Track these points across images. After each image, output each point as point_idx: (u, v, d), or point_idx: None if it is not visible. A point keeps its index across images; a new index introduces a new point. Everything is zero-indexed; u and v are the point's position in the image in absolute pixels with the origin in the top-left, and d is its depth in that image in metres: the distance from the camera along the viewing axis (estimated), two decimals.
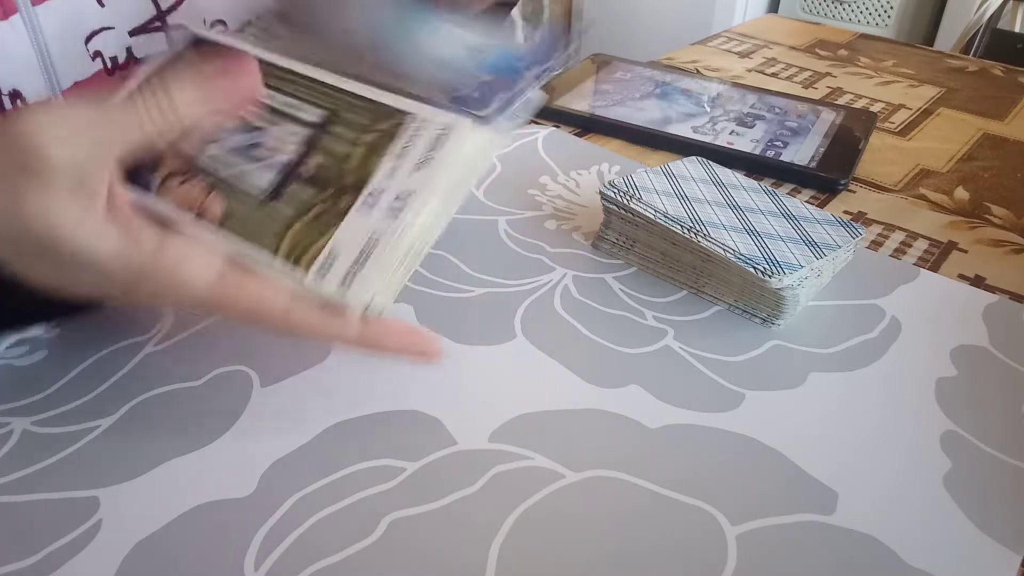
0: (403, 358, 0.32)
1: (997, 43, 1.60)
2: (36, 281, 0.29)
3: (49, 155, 0.26)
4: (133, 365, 0.38)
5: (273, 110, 0.33)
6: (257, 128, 0.33)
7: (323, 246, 0.30)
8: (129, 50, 0.42)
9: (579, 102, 0.66)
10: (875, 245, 0.50)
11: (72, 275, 0.29)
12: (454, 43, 0.36)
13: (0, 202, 0.27)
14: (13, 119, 0.27)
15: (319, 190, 0.31)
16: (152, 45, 0.43)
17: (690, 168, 0.49)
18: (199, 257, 0.29)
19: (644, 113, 0.64)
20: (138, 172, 0.31)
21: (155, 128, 0.28)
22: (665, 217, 0.43)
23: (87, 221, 0.27)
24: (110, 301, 0.31)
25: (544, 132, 0.62)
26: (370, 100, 0.32)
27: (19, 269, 0.29)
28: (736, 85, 0.71)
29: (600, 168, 0.58)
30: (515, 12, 0.47)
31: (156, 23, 0.42)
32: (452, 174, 0.30)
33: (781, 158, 0.58)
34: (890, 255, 0.49)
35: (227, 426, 0.35)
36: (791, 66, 0.80)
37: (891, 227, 0.52)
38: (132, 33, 0.42)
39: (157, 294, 0.29)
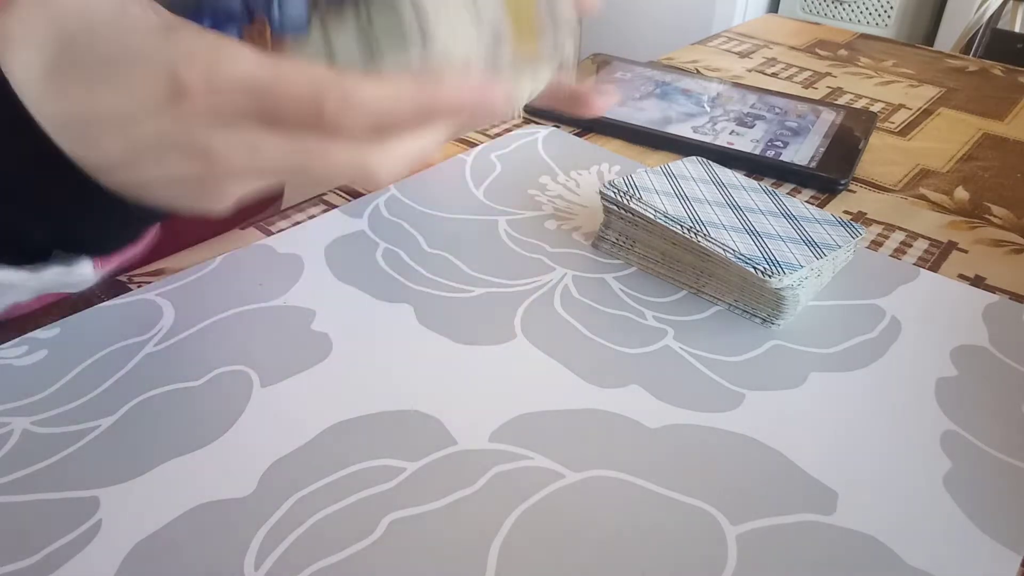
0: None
1: (997, 43, 1.60)
2: (97, 162, 0.26)
3: None
4: (133, 365, 0.38)
5: None
6: None
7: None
8: None
9: None
10: (875, 245, 0.50)
11: (117, 99, 0.25)
12: None
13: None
14: None
15: None
16: None
17: (690, 168, 0.49)
18: (235, 42, 0.25)
19: (644, 113, 0.64)
20: None
21: None
22: (665, 217, 0.43)
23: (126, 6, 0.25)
24: (162, 133, 0.25)
25: (544, 132, 0.62)
26: None
27: (80, 148, 0.26)
28: (736, 85, 0.71)
29: (600, 168, 0.58)
30: None
31: None
32: None
33: (781, 158, 0.58)
34: (890, 255, 0.49)
35: (227, 426, 0.35)
36: (791, 66, 0.80)
37: (891, 227, 0.52)
38: None
39: (204, 78, 0.24)
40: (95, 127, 0.26)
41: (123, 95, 0.25)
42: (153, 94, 0.24)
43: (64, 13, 0.25)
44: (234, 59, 0.24)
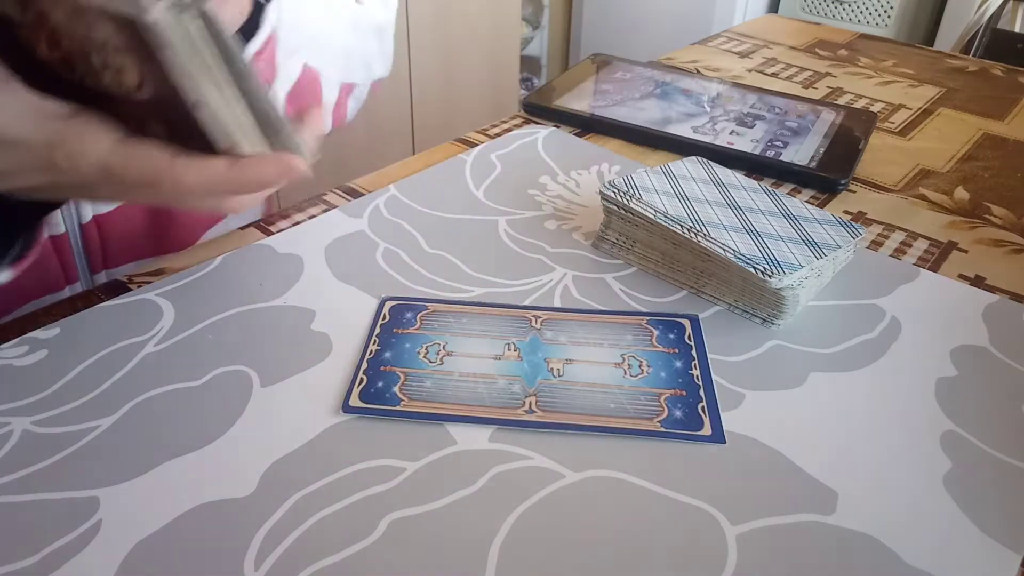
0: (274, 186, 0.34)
1: (997, 43, 1.60)
2: None
3: None
4: (133, 365, 0.38)
5: None
6: None
7: None
8: None
9: (579, 102, 0.66)
10: (875, 245, 0.50)
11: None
12: None
13: None
14: None
15: None
16: None
17: (690, 168, 0.49)
18: (100, 127, 0.31)
19: (644, 113, 0.64)
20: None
21: None
22: (665, 217, 0.43)
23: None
24: (33, 186, 0.32)
25: (544, 132, 0.62)
26: None
27: None
28: (736, 85, 0.71)
29: (600, 168, 0.58)
30: None
31: None
32: None
33: (781, 158, 0.58)
34: (890, 255, 0.49)
35: (227, 426, 0.35)
36: (791, 66, 0.80)
37: (891, 227, 0.52)
38: None
39: (68, 159, 0.31)
40: None
41: (6, 159, 0.31)
42: (31, 163, 0.31)
43: None
44: (94, 145, 0.31)
